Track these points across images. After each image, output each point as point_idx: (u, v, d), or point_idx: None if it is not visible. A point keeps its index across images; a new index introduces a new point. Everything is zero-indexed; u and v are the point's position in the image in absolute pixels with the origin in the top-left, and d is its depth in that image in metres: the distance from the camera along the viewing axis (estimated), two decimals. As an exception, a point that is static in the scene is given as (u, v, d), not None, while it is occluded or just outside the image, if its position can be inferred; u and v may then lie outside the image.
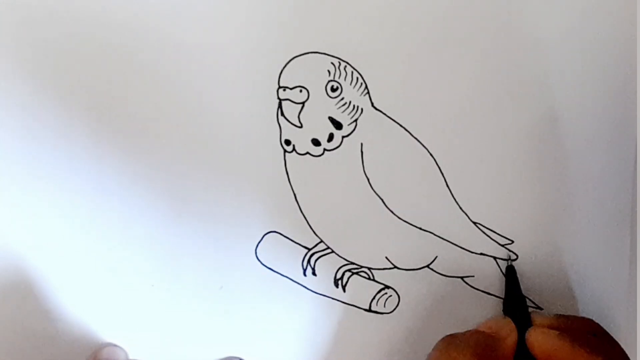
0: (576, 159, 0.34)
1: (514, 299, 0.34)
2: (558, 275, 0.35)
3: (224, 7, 0.32)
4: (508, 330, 0.32)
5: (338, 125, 0.33)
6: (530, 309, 0.34)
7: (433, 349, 0.31)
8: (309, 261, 0.35)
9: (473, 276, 0.35)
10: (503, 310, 0.34)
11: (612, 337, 0.32)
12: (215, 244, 0.34)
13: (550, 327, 0.31)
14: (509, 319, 0.33)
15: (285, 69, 0.33)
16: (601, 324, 0.32)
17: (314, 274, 0.35)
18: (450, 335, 0.32)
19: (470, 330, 0.33)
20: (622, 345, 0.32)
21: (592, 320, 0.33)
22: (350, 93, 0.33)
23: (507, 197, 0.34)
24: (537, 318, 0.32)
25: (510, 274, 0.34)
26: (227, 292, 0.35)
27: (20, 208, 0.33)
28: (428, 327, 0.35)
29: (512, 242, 0.35)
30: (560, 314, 0.34)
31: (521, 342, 0.31)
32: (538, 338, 0.31)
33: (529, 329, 0.31)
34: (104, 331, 0.35)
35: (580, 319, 0.34)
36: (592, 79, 0.33)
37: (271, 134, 0.33)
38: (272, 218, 0.34)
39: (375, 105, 0.33)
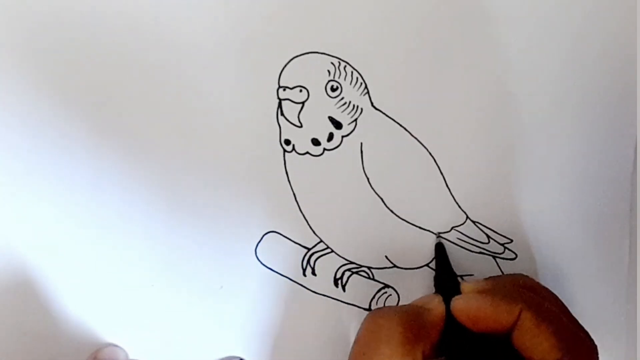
0: (576, 159, 0.34)
1: (444, 274, 0.34)
2: (557, 275, 0.35)
3: (223, 7, 0.32)
4: (436, 303, 0.31)
5: (338, 125, 0.33)
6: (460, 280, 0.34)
7: (362, 321, 0.31)
8: (308, 261, 0.35)
9: (472, 275, 0.36)
10: (434, 287, 0.34)
11: (543, 287, 0.32)
12: (215, 244, 0.34)
13: (477, 291, 0.31)
14: (437, 294, 0.32)
15: (285, 69, 0.33)
16: (601, 324, 0.32)
17: (313, 273, 0.35)
18: (379, 307, 0.32)
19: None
20: (622, 345, 0.32)
21: (521, 275, 0.33)
22: (350, 93, 0.33)
23: (507, 197, 0.34)
24: (465, 287, 0.32)
25: (440, 251, 0.34)
26: (227, 292, 0.35)
27: (21, 208, 0.33)
28: None
29: (512, 241, 0.35)
30: (489, 277, 0.33)
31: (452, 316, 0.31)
32: (460, 305, 0.30)
33: (453, 298, 0.31)
34: (104, 331, 0.35)
35: (508, 276, 0.34)
36: (591, 79, 0.33)
37: (271, 133, 0.33)
38: (271, 218, 0.34)
39: (375, 105, 0.33)
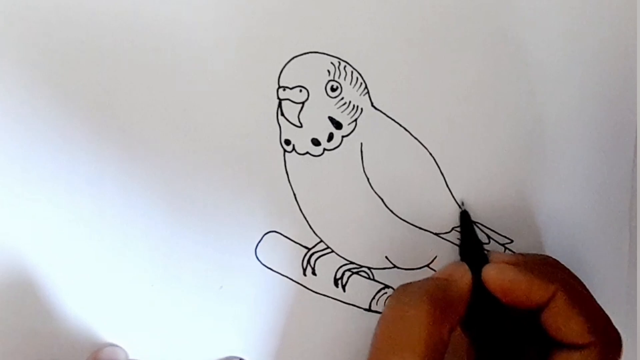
0: (576, 159, 0.34)
1: (470, 243, 0.33)
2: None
3: (223, 7, 0.32)
4: (462, 272, 0.31)
5: (338, 125, 0.33)
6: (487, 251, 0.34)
7: (388, 299, 0.30)
8: (308, 261, 0.35)
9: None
10: (460, 256, 0.34)
11: (571, 272, 0.31)
12: (215, 244, 0.34)
13: (510, 262, 0.31)
14: (463, 262, 0.32)
15: (285, 68, 0.33)
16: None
17: (313, 273, 0.35)
18: (403, 284, 0.31)
19: (422, 279, 0.32)
20: (622, 345, 0.32)
21: (551, 257, 0.32)
22: (350, 93, 0.33)
23: (507, 197, 0.34)
24: (494, 256, 0.31)
25: (465, 220, 0.34)
26: (227, 292, 0.35)
27: (21, 208, 0.33)
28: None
29: (512, 241, 0.35)
30: (518, 253, 0.33)
31: (480, 284, 0.31)
32: (493, 273, 0.30)
33: (485, 266, 0.31)
34: (104, 331, 0.35)
35: (539, 255, 0.33)
36: (591, 80, 0.33)
37: (271, 133, 0.33)
38: (272, 218, 0.34)
39: (375, 105, 0.33)
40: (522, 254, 0.33)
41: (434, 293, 0.29)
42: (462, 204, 0.34)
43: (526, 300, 0.29)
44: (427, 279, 0.32)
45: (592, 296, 0.30)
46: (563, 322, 0.29)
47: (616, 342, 0.29)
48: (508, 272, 0.30)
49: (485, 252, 0.33)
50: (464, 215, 0.34)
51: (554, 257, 0.33)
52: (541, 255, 0.34)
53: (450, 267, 0.32)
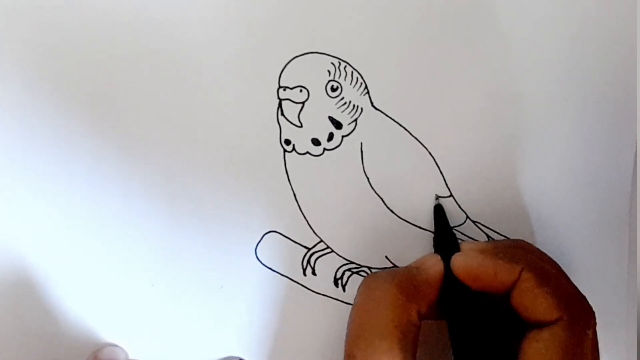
0: (576, 159, 0.34)
1: (443, 235, 0.34)
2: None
3: (223, 7, 0.32)
4: (433, 261, 0.31)
5: (338, 124, 0.33)
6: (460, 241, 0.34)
7: (358, 288, 0.31)
8: (308, 261, 0.35)
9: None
10: (434, 248, 0.34)
11: (542, 253, 0.32)
12: (215, 244, 0.34)
13: (478, 250, 0.31)
14: (435, 253, 0.32)
15: (285, 69, 0.33)
16: (601, 323, 0.32)
17: (313, 273, 0.35)
18: (374, 273, 0.32)
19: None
20: (622, 345, 0.32)
21: (522, 240, 0.33)
22: (350, 93, 0.33)
23: (507, 197, 0.34)
24: (464, 246, 0.32)
25: (438, 212, 0.34)
26: (227, 292, 0.35)
27: (21, 208, 0.33)
28: (427, 325, 0.35)
29: (512, 241, 0.35)
30: (489, 240, 0.34)
31: (452, 275, 0.31)
32: (460, 261, 0.31)
33: (453, 255, 0.31)
34: (104, 331, 0.35)
35: (511, 240, 0.34)
36: (591, 80, 0.33)
37: (271, 133, 0.33)
38: (271, 218, 0.34)
39: (375, 105, 0.33)
40: (492, 241, 0.33)
41: (401, 278, 0.30)
42: (437, 197, 0.34)
43: (494, 284, 0.30)
44: (397, 268, 0.33)
45: (561, 274, 0.31)
46: (530, 301, 0.29)
47: (585, 315, 0.29)
48: (474, 258, 0.30)
49: (460, 242, 0.33)
50: (438, 209, 0.34)
51: (554, 257, 0.33)
52: (513, 240, 0.34)
53: (423, 257, 0.32)
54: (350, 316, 0.30)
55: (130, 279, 0.34)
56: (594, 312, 0.30)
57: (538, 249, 0.33)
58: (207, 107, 0.33)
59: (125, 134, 0.33)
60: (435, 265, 0.31)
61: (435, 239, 0.34)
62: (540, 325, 0.29)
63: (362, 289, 0.31)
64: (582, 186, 0.34)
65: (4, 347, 0.34)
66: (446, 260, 0.31)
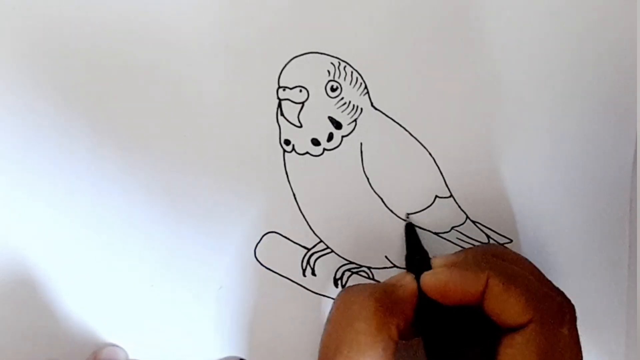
0: (576, 159, 0.34)
1: (414, 253, 0.33)
2: (557, 276, 0.35)
3: (223, 7, 0.32)
4: (407, 280, 0.31)
5: (338, 125, 0.33)
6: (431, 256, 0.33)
7: (333, 301, 0.31)
8: (308, 261, 0.35)
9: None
10: (406, 267, 0.34)
11: (512, 252, 0.32)
12: (215, 244, 0.34)
13: (447, 265, 0.31)
14: (409, 272, 0.32)
15: (285, 69, 0.33)
16: (601, 324, 0.32)
17: (313, 274, 0.35)
18: (349, 286, 0.32)
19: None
20: (622, 345, 0.32)
21: (493, 245, 0.33)
22: (350, 93, 0.33)
23: (507, 197, 0.34)
24: (434, 262, 0.32)
25: (409, 230, 0.34)
26: (226, 292, 0.35)
27: (21, 208, 0.33)
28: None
29: (511, 241, 0.35)
30: (460, 250, 0.33)
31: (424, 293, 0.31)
32: (428, 280, 0.30)
33: (422, 274, 0.31)
34: (104, 331, 0.35)
35: (479, 247, 0.34)
36: (591, 80, 0.33)
37: (271, 134, 0.33)
38: (271, 218, 0.34)
39: (374, 105, 0.33)
40: (464, 250, 0.33)
41: (379, 293, 0.30)
42: (407, 216, 0.34)
43: (464, 296, 0.30)
44: (372, 283, 0.33)
45: (531, 273, 0.30)
46: (501, 305, 0.29)
47: (559, 313, 0.29)
48: (441, 275, 0.30)
49: (431, 258, 0.33)
50: (409, 227, 0.34)
51: (554, 257, 0.33)
52: (483, 246, 0.34)
53: (397, 275, 0.32)
54: (326, 330, 0.30)
55: (130, 279, 0.34)
56: (571, 308, 0.29)
57: (513, 252, 0.32)
58: (207, 107, 0.33)
59: (125, 134, 0.33)
60: (410, 283, 0.31)
61: (407, 258, 0.34)
62: (514, 329, 0.29)
63: (339, 302, 0.30)
64: (582, 186, 0.34)
65: (4, 347, 0.34)
66: (419, 278, 0.31)
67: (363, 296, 0.30)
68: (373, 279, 0.35)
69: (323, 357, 0.29)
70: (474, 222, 0.35)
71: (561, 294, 0.30)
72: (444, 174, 0.34)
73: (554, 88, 0.33)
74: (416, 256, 0.33)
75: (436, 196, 0.34)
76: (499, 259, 0.31)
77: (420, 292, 0.31)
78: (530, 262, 0.32)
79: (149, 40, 0.32)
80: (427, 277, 0.31)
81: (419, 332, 0.31)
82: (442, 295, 0.30)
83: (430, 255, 0.33)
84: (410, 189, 0.34)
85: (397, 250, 0.35)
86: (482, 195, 0.34)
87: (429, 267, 0.32)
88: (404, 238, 0.34)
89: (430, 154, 0.34)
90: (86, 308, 0.35)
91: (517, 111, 0.34)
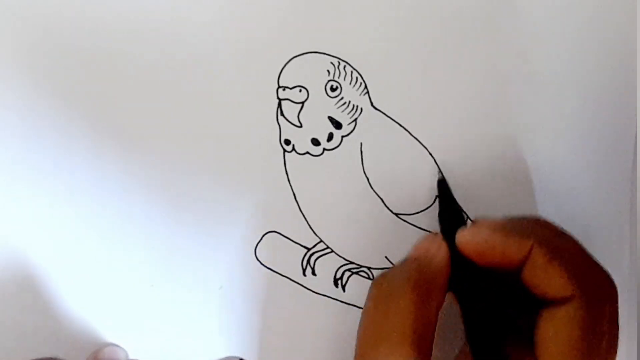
0: (576, 159, 0.34)
1: (448, 212, 0.33)
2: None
3: (223, 7, 0.32)
4: (437, 245, 0.30)
5: (337, 124, 0.33)
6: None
7: (368, 292, 0.29)
8: (308, 261, 0.35)
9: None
10: (439, 223, 0.33)
11: (559, 228, 0.30)
12: (215, 244, 0.34)
13: (489, 225, 0.29)
14: (437, 234, 0.31)
15: (285, 68, 0.33)
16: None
17: (313, 273, 0.35)
18: (381, 275, 0.30)
19: (399, 262, 0.31)
20: (622, 345, 0.31)
21: (539, 217, 0.31)
22: (350, 93, 0.33)
23: (507, 197, 0.34)
24: (476, 221, 0.30)
25: (442, 186, 0.33)
26: (227, 291, 0.35)
27: (21, 208, 0.33)
28: None
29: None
30: (505, 217, 0.31)
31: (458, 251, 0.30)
32: (465, 235, 0.29)
33: (458, 230, 0.29)
34: (104, 331, 0.35)
35: (525, 216, 0.32)
36: (591, 79, 0.33)
37: (271, 133, 0.33)
38: (271, 218, 0.34)
39: (374, 104, 0.33)
40: (506, 217, 0.31)
41: (415, 277, 0.28)
42: (440, 171, 0.33)
43: (503, 260, 0.28)
44: (405, 261, 0.31)
45: (579, 250, 0.29)
46: (542, 278, 0.28)
47: (604, 291, 0.28)
48: (481, 233, 0.29)
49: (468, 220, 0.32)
50: (442, 183, 0.33)
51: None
52: (529, 216, 0.32)
53: (425, 242, 0.31)
54: (364, 320, 0.29)
55: (130, 279, 0.34)
56: (614, 286, 0.28)
57: (556, 226, 0.30)
58: (207, 107, 0.33)
59: (126, 134, 0.33)
60: (440, 249, 0.30)
61: (440, 217, 0.33)
62: (554, 302, 0.27)
63: (375, 293, 0.29)
64: (582, 186, 0.34)
65: (4, 347, 0.34)
66: (452, 235, 0.30)
67: (399, 287, 0.28)
68: (373, 278, 0.35)
69: (361, 353, 0.28)
70: (473, 222, 0.35)
71: (605, 272, 0.29)
72: (444, 174, 0.34)
73: (555, 88, 0.33)
74: (450, 211, 0.32)
75: (436, 196, 0.34)
76: (545, 229, 0.30)
77: (453, 249, 0.29)
78: (575, 238, 0.30)
79: (149, 40, 0.32)
80: (464, 234, 0.29)
81: (452, 288, 0.30)
82: (478, 255, 0.29)
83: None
84: (410, 189, 0.34)
85: (397, 250, 0.35)
86: (482, 195, 0.34)
87: (463, 223, 0.30)
88: (431, 219, 0.33)
89: (430, 154, 0.34)
90: (86, 308, 0.34)
91: (517, 111, 0.34)
